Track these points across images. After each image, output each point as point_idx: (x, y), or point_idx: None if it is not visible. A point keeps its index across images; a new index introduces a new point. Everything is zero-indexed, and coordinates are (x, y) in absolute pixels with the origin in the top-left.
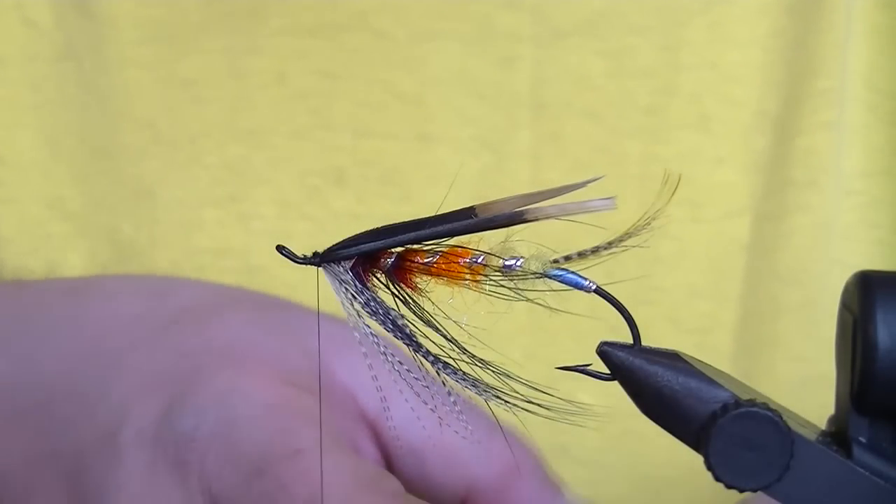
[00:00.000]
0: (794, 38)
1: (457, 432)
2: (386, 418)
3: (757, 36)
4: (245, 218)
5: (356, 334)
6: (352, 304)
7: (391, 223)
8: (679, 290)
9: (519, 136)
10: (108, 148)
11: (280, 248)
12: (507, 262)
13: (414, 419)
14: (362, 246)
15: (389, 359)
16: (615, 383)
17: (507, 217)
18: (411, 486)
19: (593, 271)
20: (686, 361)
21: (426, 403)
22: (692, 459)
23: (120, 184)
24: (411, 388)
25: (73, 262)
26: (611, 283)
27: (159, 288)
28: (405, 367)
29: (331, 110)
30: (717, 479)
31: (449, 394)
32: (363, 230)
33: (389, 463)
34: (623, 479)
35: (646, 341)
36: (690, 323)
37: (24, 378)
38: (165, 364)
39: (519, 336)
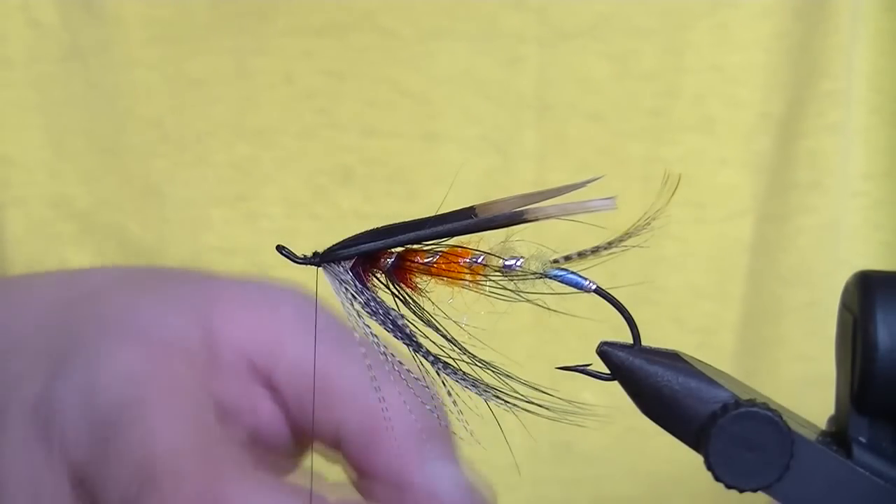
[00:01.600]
0: (798, 40)
1: (456, 433)
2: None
3: (760, 38)
4: (252, 217)
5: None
6: (352, 304)
7: (391, 223)
8: (682, 290)
9: (524, 136)
10: (116, 147)
11: (280, 249)
12: (507, 263)
13: (303, 363)
14: (362, 246)
15: (389, 359)
16: (614, 382)
17: (508, 217)
18: (299, 436)
19: (596, 271)
20: (686, 361)
21: (424, 403)
22: (694, 457)
23: (127, 183)
24: (408, 385)
25: (81, 262)
26: (615, 287)
27: (71, 277)
28: (405, 366)
29: (338, 110)
30: (717, 479)
31: (449, 394)
32: (368, 229)
33: (287, 412)
34: (626, 477)
35: (649, 341)
36: (693, 323)
37: None
38: (55, 341)
39: (522, 335)
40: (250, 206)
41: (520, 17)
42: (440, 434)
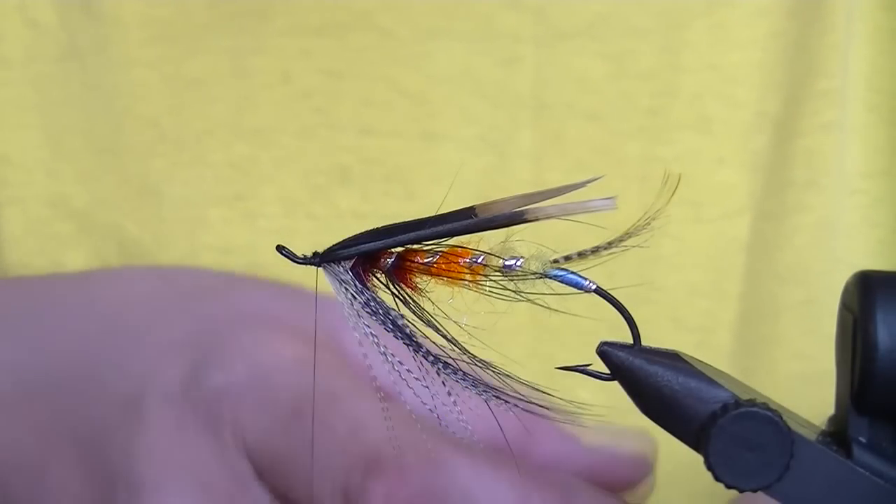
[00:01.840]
0: (794, 39)
1: (455, 433)
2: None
3: (757, 37)
4: (250, 216)
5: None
6: (352, 304)
7: (391, 223)
8: (679, 289)
9: (521, 135)
10: (113, 147)
11: (280, 249)
12: (507, 262)
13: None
14: (362, 246)
15: (390, 358)
16: (614, 382)
17: (508, 217)
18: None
19: (594, 271)
20: (686, 361)
21: (425, 403)
22: (691, 455)
23: (125, 183)
24: (410, 387)
25: (78, 261)
26: (615, 288)
27: (164, 273)
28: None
29: (336, 109)
30: (717, 479)
31: (449, 394)
32: (367, 229)
33: None
34: None
35: (646, 340)
36: (691, 321)
37: (37, 361)
38: (185, 331)
39: (520, 334)
40: (248, 206)
41: (517, 17)
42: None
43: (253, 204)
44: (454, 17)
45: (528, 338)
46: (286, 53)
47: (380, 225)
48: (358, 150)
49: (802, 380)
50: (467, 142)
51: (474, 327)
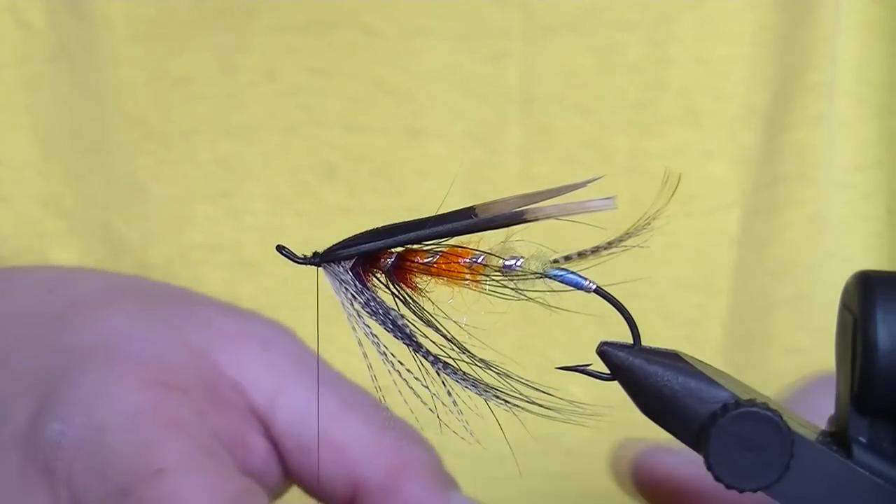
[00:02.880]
0: (782, 32)
1: (456, 433)
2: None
3: (745, 31)
4: (237, 213)
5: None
6: (352, 304)
7: (391, 223)
8: (669, 284)
9: (509, 130)
10: (101, 145)
11: (280, 248)
12: (507, 262)
13: (305, 416)
14: (362, 246)
15: (390, 358)
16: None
17: (508, 217)
18: (301, 482)
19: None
20: (686, 361)
21: (425, 404)
22: None
23: (113, 181)
24: (409, 387)
25: (68, 260)
26: (609, 285)
27: (55, 282)
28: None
29: (322, 106)
30: (717, 479)
31: (449, 393)
32: (354, 225)
33: (280, 457)
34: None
35: None
36: (680, 315)
37: None
38: (42, 361)
39: (510, 329)
40: (235, 203)
41: (503, 12)
42: (437, 461)
43: (239, 201)
44: (440, 14)
45: (517, 333)
46: (272, 51)
47: (366, 221)
48: (344, 147)
49: (793, 375)
50: (454, 137)
51: (474, 327)
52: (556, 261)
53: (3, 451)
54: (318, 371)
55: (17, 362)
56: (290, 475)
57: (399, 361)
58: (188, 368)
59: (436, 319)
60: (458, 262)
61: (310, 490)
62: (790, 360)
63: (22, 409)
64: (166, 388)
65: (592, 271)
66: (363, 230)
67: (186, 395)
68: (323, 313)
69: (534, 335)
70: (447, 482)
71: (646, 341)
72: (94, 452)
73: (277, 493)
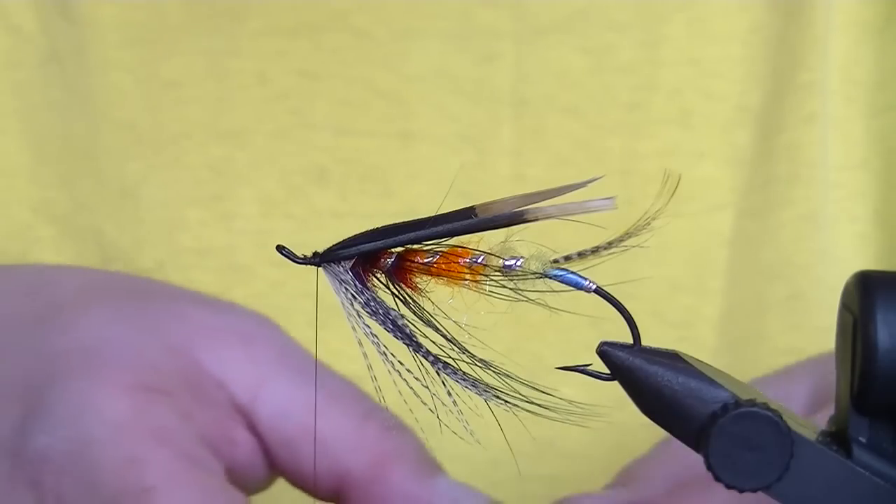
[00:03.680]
0: (774, 32)
1: (455, 433)
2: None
3: (737, 31)
4: (228, 217)
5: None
6: (352, 304)
7: (391, 223)
8: (661, 284)
9: (501, 132)
10: (92, 150)
11: (280, 249)
12: (507, 262)
13: (289, 409)
14: (362, 246)
15: (390, 358)
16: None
17: (508, 217)
18: (287, 475)
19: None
20: (686, 361)
21: (425, 404)
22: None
23: (103, 186)
24: (409, 387)
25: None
26: (611, 285)
27: (35, 283)
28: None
29: (312, 109)
30: (717, 479)
31: (449, 393)
32: (345, 228)
33: (266, 451)
34: (607, 473)
35: (627, 335)
36: (673, 317)
37: None
38: (25, 368)
39: (501, 330)
40: (225, 207)
41: (494, 13)
42: (421, 448)
43: (230, 205)
44: (431, 15)
45: (509, 335)
46: (262, 54)
47: (357, 224)
48: (335, 150)
49: None
50: (446, 139)
51: (474, 327)
52: (556, 261)
53: None
54: (303, 363)
55: (1, 369)
56: (275, 468)
57: (399, 361)
58: (170, 368)
59: (436, 319)
60: (458, 262)
61: (296, 482)
62: (784, 361)
63: (6, 418)
64: (149, 392)
65: (584, 272)
66: (355, 233)
67: (170, 398)
68: (314, 318)
69: (526, 336)
70: (432, 468)
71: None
72: (81, 468)
73: (264, 485)
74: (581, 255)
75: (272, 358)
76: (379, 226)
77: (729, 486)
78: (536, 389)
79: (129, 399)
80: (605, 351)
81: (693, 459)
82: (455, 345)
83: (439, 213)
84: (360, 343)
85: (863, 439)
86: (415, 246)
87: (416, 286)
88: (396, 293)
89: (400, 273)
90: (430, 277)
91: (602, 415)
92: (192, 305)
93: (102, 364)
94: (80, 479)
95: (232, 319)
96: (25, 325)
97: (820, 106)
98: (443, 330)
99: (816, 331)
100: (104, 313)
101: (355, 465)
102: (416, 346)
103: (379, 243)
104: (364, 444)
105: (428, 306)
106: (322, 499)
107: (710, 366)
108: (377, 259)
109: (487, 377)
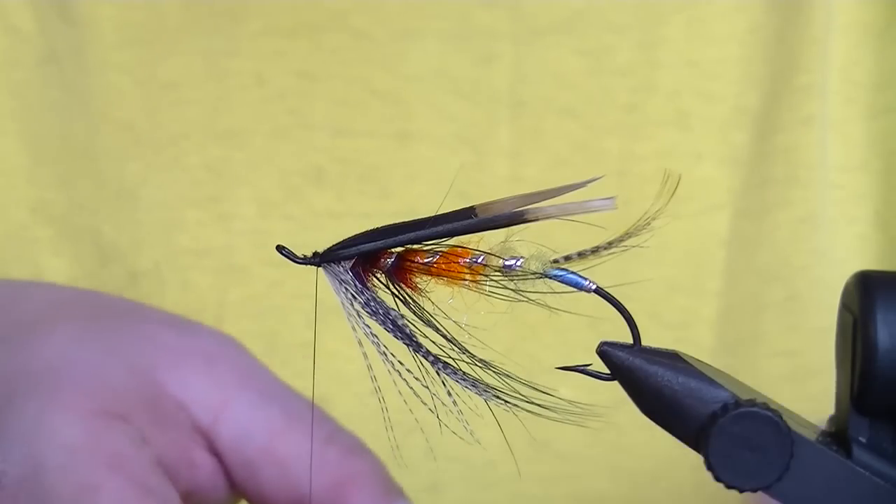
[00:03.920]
0: (772, 33)
1: (455, 433)
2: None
3: (735, 32)
4: (226, 218)
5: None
6: (352, 304)
7: (391, 223)
8: (658, 285)
9: (498, 133)
10: (90, 151)
11: (280, 249)
12: (507, 262)
13: (250, 430)
14: (362, 246)
15: (390, 358)
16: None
17: (508, 217)
18: (248, 496)
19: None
20: (686, 361)
21: (425, 404)
22: (671, 452)
23: (102, 186)
24: (409, 387)
25: (58, 267)
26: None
27: (2, 300)
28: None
29: (310, 110)
30: (717, 479)
31: (449, 393)
32: (343, 228)
33: (227, 473)
34: (603, 473)
35: (624, 336)
36: (670, 318)
37: None
38: None
39: (499, 331)
40: (224, 208)
41: (492, 14)
42: (382, 470)
43: (228, 206)
44: (429, 16)
45: (507, 335)
46: (260, 55)
47: (355, 224)
48: (332, 151)
49: (783, 377)
50: (443, 140)
51: (474, 327)
52: (556, 261)
53: None
54: (267, 385)
55: None
56: (236, 489)
57: (399, 361)
58: (131, 390)
59: (435, 319)
60: (458, 262)
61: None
62: (781, 362)
63: None
64: (107, 417)
65: (584, 272)
66: (353, 233)
67: (128, 423)
68: (312, 319)
69: (524, 337)
70: (393, 491)
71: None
72: (32, 493)
73: None
74: (581, 255)
75: (235, 379)
76: (378, 226)
77: (729, 486)
78: (536, 389)
79: (85, 424)
80: (605, 351)
81: None
82: (455, 345)
83: (439, 213)
84: (360, 343)
85: (863, 439)
86: (415, 246)
87: (415, 286)
88: (396, 293)
89: (400, 273)
90: (429, 277)
91: (600, 415)
92: (158, 326)
93: (62, 386)
94: (32, 496)
95: (197, 341)
96: None
97: (818, 108)
98: (443, 330)
99: (814, 332)
100: (69, 332)
101: (315, 489)
102: (416, 346)
103: (379, 243)
104: (323, 467)
105: (428, 306)
106: None
107: (710, 366)
108: (377, 259)
109: (487, 377)
